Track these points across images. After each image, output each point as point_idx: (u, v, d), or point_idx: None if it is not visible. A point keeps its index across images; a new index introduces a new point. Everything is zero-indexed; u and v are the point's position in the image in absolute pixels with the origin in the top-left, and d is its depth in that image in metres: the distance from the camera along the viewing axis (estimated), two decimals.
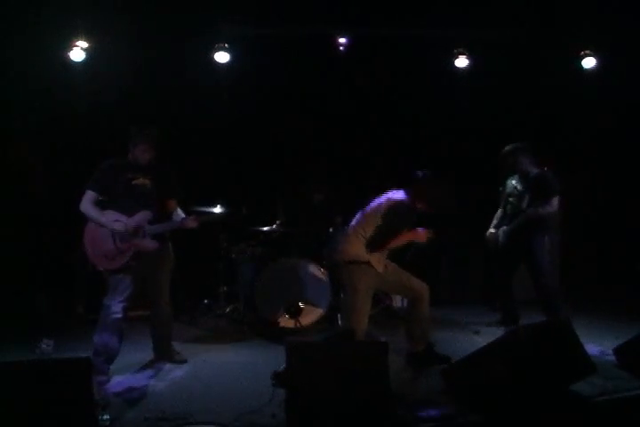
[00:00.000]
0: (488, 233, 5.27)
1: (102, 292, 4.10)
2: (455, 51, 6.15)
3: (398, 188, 4.19)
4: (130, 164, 4.15)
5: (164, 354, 4.38)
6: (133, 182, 4.09)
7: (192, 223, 4.17)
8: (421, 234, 4.09)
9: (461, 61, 6.16)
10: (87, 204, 4.02)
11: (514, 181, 5.14)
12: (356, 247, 4.06)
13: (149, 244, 4.05)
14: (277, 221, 5.75)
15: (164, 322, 4.36)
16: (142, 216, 4.04)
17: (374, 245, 4.01)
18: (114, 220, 3.99)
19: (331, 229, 5.68)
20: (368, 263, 4.04)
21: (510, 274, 5.21)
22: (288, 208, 5.89)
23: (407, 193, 4.10)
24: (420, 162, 6.75)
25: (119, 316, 3.93)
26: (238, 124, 6.53)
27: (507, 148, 5.10)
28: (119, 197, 4.06)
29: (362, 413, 3.00)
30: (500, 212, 5.31)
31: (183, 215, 4.35)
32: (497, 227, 5.24)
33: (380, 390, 3.05)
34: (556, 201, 4.83)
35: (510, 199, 5.12)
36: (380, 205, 4.11)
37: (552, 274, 5.11)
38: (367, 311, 4.09)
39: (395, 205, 4.04)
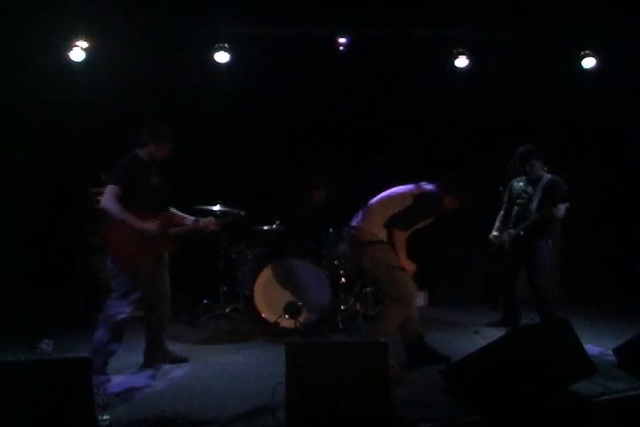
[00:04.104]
0: (492, 236, 5.27)
1: (101, 292, 4.07)
2: (455, 51, 6.16)
3: (428, 182, 4.25)
4: (146, 163, 4.06)
5: (159, 355, 4.25)
6: (153, 182, 4.03)
7: (213, 226, 4.16)
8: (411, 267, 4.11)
9: (461, 61, 6.17)
10: (112, 199, 3.79)
11: (521, 184, 5.16)
12: (375, 226, 4.09)
13: (174, 245, 4.06)
14: (277, 221, 5.75)
15: (165, 323, 4.30)
16: (166, 218, 4.03)
17: (397, 222, 4.03)
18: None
19: (331, 230, 5.68)
20: (385, 243, 4.06)
21: (514, 275, 5.21)
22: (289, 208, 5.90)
23: (438, 187, 4.17)
24: (419, 161, 6.85)
25: (125, 316, 3.85)
26: (238, 124, 6.53)
27: (519, 150, 5.09)
28: (140, 198, 3.92)
29: (362, 413, 3.00)
30: (502, 214, 5.31)
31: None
32: (500, 230, 5.24)
33: (380, 390, 3.05)
34: (562, 208, 4.85)
35: (518, 201, 5.12)
36: (410, 189, 4.16)
37: (549, 277, 5.14)
38: (412, 281, 4.09)
39: (428, 193, 4.13)
